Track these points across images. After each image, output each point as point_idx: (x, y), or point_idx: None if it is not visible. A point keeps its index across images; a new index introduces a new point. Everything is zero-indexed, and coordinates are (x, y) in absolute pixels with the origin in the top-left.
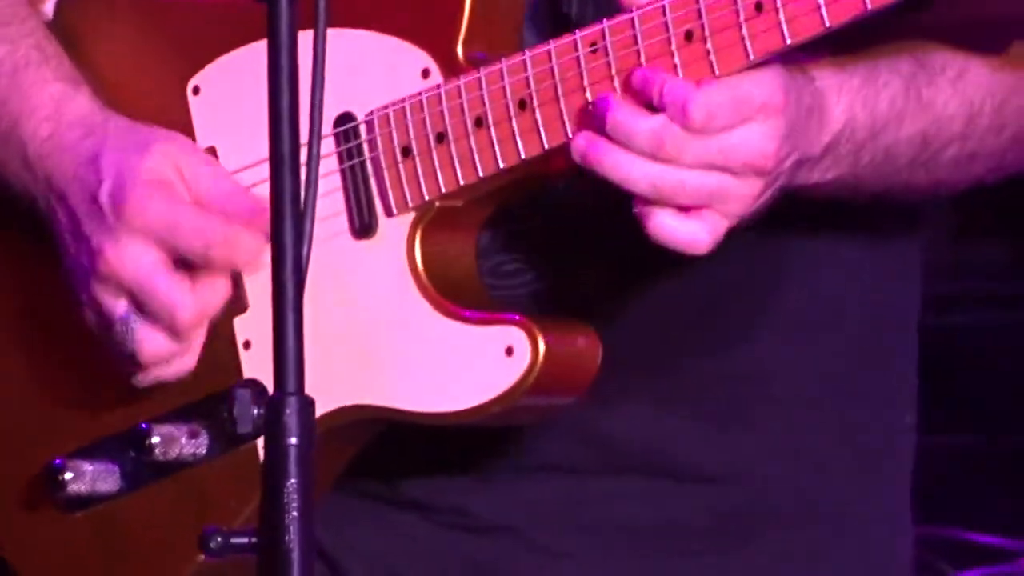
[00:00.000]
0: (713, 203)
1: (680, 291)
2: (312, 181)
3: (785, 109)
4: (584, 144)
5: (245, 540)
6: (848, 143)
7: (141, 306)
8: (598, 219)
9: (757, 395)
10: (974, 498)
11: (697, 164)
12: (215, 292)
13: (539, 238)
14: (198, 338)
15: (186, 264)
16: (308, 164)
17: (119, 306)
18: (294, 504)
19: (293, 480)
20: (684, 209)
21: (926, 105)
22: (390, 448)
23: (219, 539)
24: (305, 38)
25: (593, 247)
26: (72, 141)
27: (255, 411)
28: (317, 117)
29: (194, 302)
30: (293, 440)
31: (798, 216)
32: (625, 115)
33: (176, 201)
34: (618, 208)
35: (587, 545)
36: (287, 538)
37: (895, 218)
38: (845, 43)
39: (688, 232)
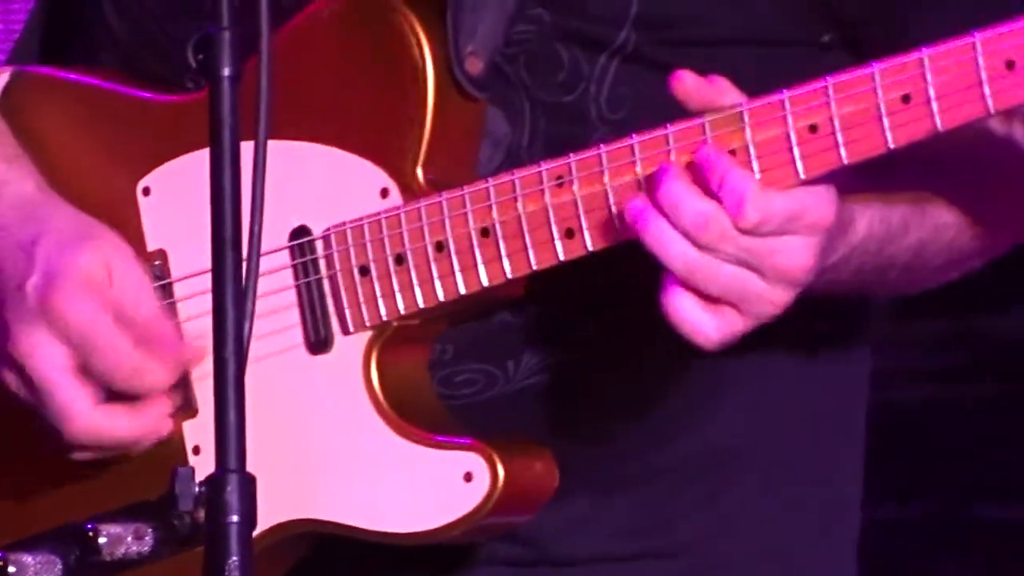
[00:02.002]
0: (739, 302)
1: (620, 392)
2: (254, 259)
3: (830, 228)
4: (638, 209)
5: None
6: (860, 256)
7: (39, 402)
8: (546, 326)
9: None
10: (918, 569)
11: (732, 259)
12: (115, 421)
13: (488, 347)
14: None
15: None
16: (250, 244)
17: (22, 391)
18: None
19: (234, 558)
20: (708, 300)
21: (928, 217)
22: (328, 552)
23: None
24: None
25: (542, 352)
26: (11, 221)
27: (196, 489)
28: (259, 193)
29: (90, 417)
30: (234, 518)
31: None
32: (679, 189)
33: (98, 310)
34: (563, 319)
35: None
36: None
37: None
38: None
39: (701, 321)
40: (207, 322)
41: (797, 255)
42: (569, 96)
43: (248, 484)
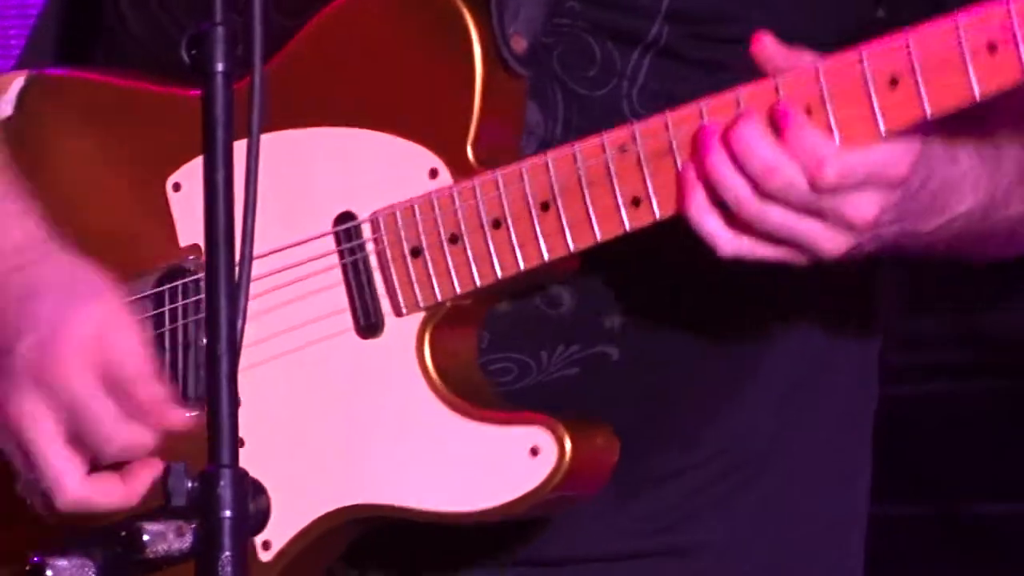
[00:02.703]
0: (791, 241)
1: (649, 388)
2: (246, 255)
3: (904, 184)
4: (708, 132)
5: None
6: (964, 223)
7: (29, 467)
8: (581, 317)
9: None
10: (924, 568)
11: (795, 207)
12: (106, 491)
13: (523, 336)
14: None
15: None
16: (243, 238)
17: (11, 453)
18: None
19: (227, 553)
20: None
21: None
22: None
23: None
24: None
25: (575, 344)
26: (2, 271)
27: (188, 484)
28: (252, 190)
29: (79, 489)
30: (227, 513)
31: (760, 317)
32: (754, 132)
33: (89, 381)
34: (598, 311)
35: None
36: None
37: (857, 320)
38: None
39: (719, 235)
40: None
41: (864, 207)
42: (601, 90)
43: (241, 479)
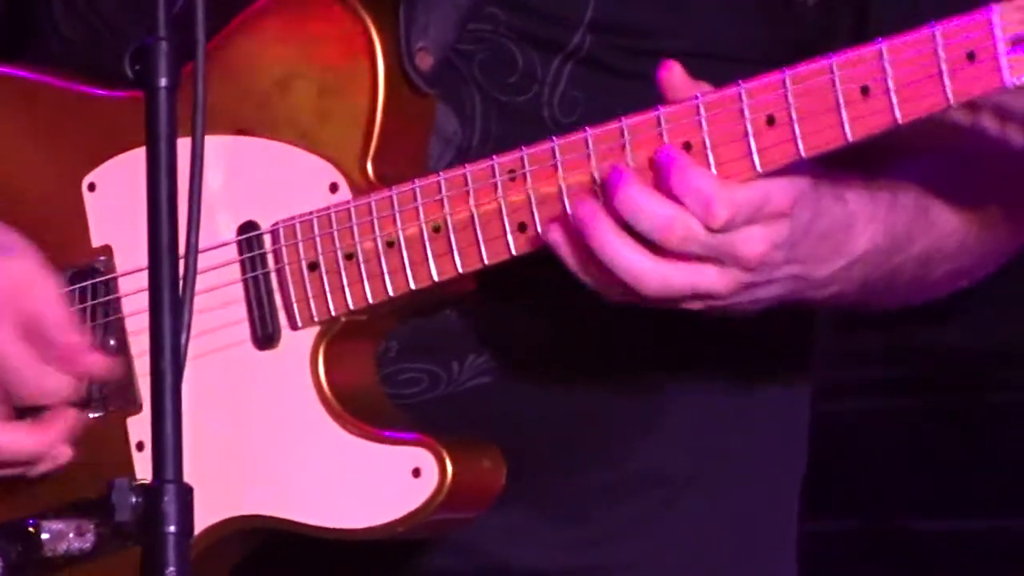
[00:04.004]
0: (692, 292)
1: (563, 401)
2: (190, 269)
3: (789, 217)
4: (586, 213)
5: None
6: (863, 268)
7: None
8: (492, 326)
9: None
10: None
11: (693, 257)
12: (18, 439)
13: (433, 346)
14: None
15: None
16: (187, 254)
17: None
18: None
19: (172, 568)
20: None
21: (931, 224)
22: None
23: None
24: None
25: (486, 354)
26: None
27: (133, 499)
28: (196, 205)
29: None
30: (171, 528)
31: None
32: (638, 192)
33: (9, 325)
34: (509, 320)
35: None
36: None
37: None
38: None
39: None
40: None
41: (753, 243)
42: (522, 97)
43: (185, 494)
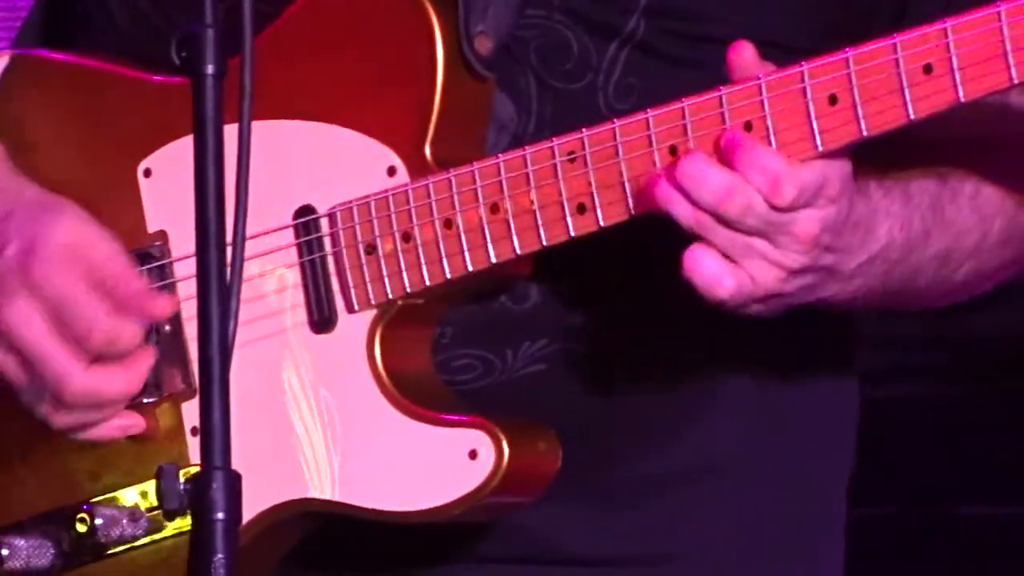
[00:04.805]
0: (746, 260)
1: (617, 389)
2: (238, 259)
3: (839, 201)
4: (655, 178)
5: None
6: (883, 263)
7: (30, 369)
8: (547, 314)
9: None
10: (903, 570)
11: (750, 230)
12: (110, 378)
13: (487, 333)
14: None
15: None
16: (234, 243)
17: (7, 362)
18: None
19: (220, 556)
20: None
21: (948, 223)
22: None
23: None
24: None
25: (541, 341)
26: None
27: (182, 487)
28: (243, 194)
29: (85, 376)
30: (220, 515)
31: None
32: (702, 162)
33: (73, 277)
34: (564, 308)
35: None
36: None
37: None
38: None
39: (720, 274)
40: None
41: (809, 223)
42: (577, 84)
43: (234, 481)
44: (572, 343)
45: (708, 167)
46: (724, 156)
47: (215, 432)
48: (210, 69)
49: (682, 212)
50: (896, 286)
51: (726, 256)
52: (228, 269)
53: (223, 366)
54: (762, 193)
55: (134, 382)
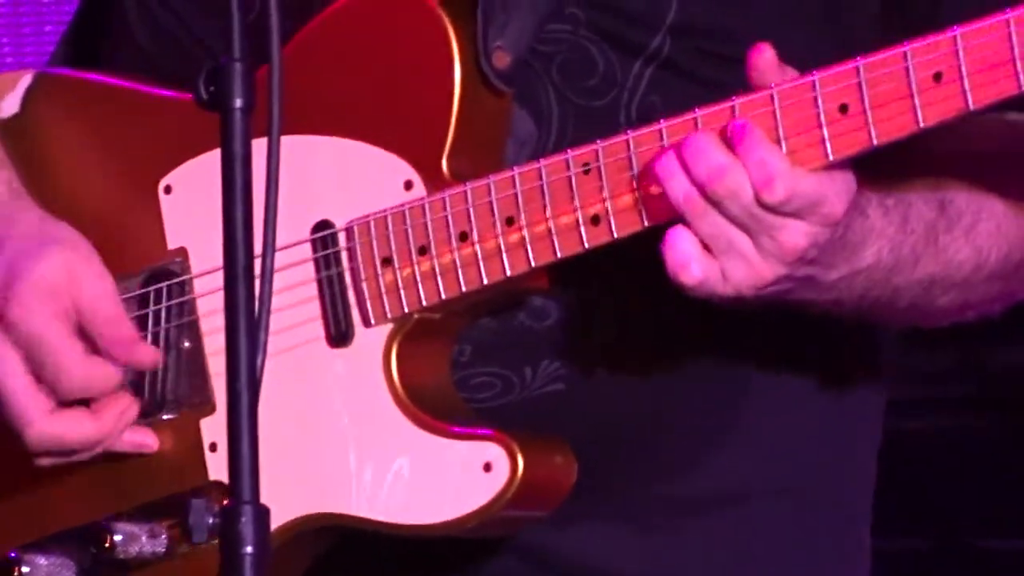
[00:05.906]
0: (722, 255)
1: (635, 412)
2: (266, 292)
3: (836, 226)
4: (660, 151)
5: None
6: (865, 280)
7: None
8: (565, 333)
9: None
10: None
11: (734, 218)
12: (75, 424)
13: (506, 351)
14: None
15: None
16: (262, 276)
17: None
18: None
19: None
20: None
21: (940, 250)
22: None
23: None
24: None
25: (560, 360)
26: None
27: (210, 520)
28: (271, 230)
29: (46, 422)
30: (248, 549)
31: (758, 344)
32: (705, 139)
33: (51, 318)
34: (583, 327)
35: None
36: None
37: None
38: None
39: (689, 257)
40: None
41: (797, 236)
42: (600, 101)
43: (263, 515)
44: (591, 363)
45: (712, 145)
46: (729, 143)
47: (243, 465)
48: (238, 103)
49: (676, 187)
50: (875, 303)
51: (707, 247)
52: (256, 302)
53: (252, 399)
54: (754, 185)
55: (104, 428)
